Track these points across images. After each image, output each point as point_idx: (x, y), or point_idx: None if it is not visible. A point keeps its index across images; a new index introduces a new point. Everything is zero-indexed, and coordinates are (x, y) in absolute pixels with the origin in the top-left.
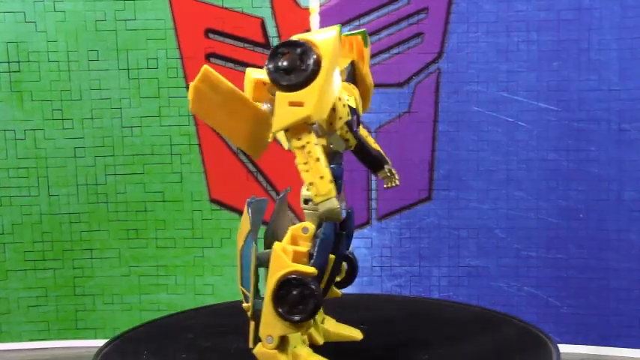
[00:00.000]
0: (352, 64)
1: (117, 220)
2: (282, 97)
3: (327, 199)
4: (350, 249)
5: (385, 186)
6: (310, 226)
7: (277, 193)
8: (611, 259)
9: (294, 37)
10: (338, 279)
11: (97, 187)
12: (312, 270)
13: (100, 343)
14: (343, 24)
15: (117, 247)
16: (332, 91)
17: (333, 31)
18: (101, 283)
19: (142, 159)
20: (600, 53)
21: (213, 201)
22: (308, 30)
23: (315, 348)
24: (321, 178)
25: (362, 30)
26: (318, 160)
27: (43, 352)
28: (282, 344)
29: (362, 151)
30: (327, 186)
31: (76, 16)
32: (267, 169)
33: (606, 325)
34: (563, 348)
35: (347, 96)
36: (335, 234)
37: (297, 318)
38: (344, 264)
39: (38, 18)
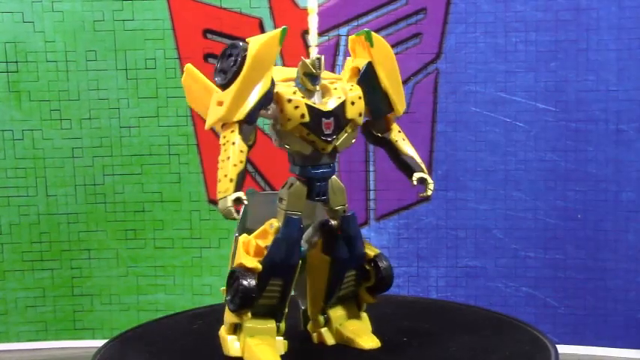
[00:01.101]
0: (370, 64)
1: (115, 220)
2: (214, 95)
3: (223, 198)
4: (375, 253)
5: (419, 194)
6: (276, 223)
7: None
8: (608, 259)
9: (248, 39)
10: (368, 284)
11: (95, 187)
12: (253, 265)
13: (98, 343)
14: (342, 24)
15: (115, 247)
16: (255, 93)
17: (273, 32)
18: (99, 284)
19: (140, 159)
20: (598, 54)
21: (211, 201)
22: (306, 31)
23: (323, 347)
24: (225, 176)
25: (364, 30)
26: (228, 158)
27: (40, 352)
28: (236, 331)
29: (391, 155)
30: (225, 185)
31: (74, 17)
32: (266, 170)
33: (604, 325)
34: (561, 348)
35: (335, 97)
36: (334, 236)
37: (231, 307)
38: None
39: (36, 18)
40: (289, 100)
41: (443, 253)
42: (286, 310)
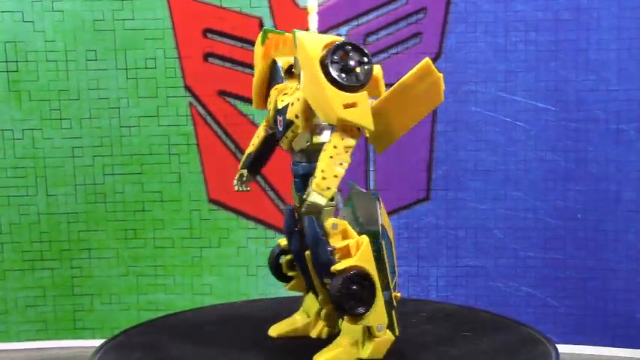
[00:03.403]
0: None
1: (115, 220)
2: None
3: None
4: (336, 268)
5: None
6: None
7: (276, 194)
8: (609, 259)
9: None
10: None
11: (95, 186)
12: (279, 242)
13: (99, 343)
14: (341, 24)
15: (115, 247)
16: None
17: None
18: (99, 283)
19: (140, 159)
20: (598, 53)
21: (211, 201)
22: (306, 30)
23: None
24: None
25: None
26: None
27: (40, 352)
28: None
29: None
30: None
31: (74, 16)
32: (266, 170)
33: (604, 325)
34: (561, 348)
35: (287, 97)
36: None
37: None
38: None
39: (36, 17)
40: (268, 95)
41: (443, 252)
42: (321, 295)
